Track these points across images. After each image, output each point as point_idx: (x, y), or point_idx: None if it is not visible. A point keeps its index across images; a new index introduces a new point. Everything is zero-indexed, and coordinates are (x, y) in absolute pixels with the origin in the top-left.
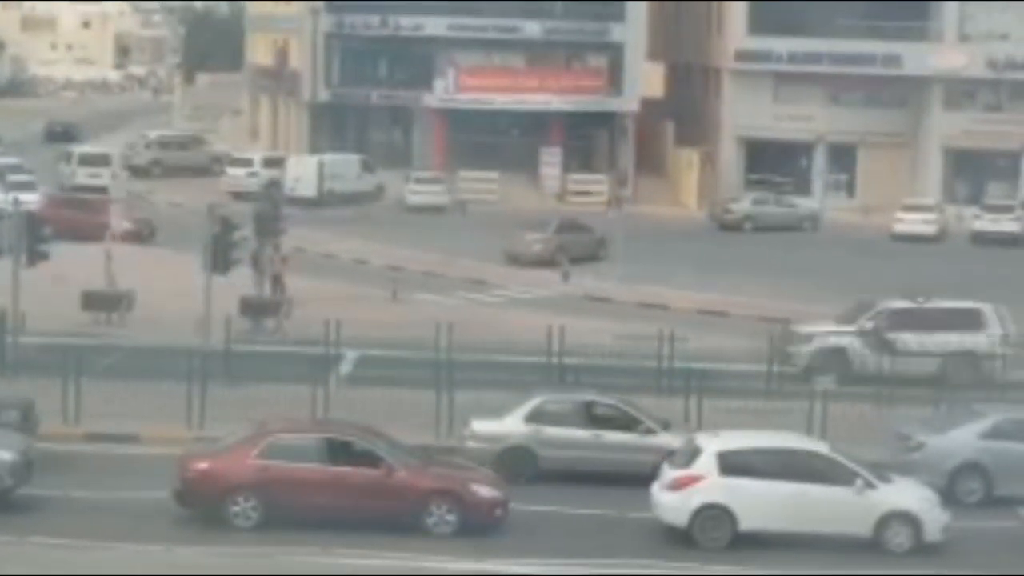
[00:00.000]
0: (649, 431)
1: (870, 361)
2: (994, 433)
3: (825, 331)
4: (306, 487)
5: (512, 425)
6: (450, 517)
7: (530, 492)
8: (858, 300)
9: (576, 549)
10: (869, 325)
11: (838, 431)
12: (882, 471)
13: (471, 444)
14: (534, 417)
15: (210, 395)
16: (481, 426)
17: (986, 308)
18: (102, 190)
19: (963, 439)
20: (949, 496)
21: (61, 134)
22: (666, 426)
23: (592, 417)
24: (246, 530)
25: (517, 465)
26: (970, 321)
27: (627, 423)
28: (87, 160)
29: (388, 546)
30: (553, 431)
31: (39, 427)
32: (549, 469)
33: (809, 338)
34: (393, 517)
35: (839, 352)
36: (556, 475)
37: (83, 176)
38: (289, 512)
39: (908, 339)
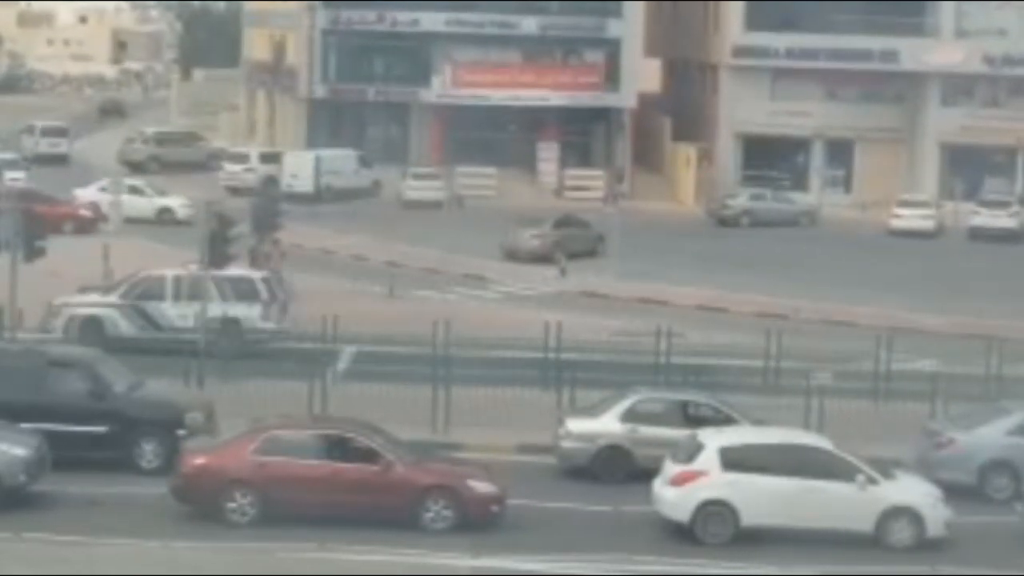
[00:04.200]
0: None
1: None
2: (1022, 430)
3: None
4: (303, 483)
5: (607, 424)
6: (447, 513)
7: (528, 488)
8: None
9: (575, 545)
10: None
11: (837, 426)
12: (884, 466)
13: (566, 443)
14: (629, 416)
15: (207, 391)
16: (576, 425)
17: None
18: (61, 158)
19: (991, 436)
20: (978, 493)
21: (113, 111)
22: (761, 425)
23: (688, 416)
24: (243, 526)
25: (613, 464)
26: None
27: (723, 422)
28: (48, 132)
29: (385, 542)
30: (649, 430)
31: (219, 428)
32: (645, 468)
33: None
34: (390, 513)
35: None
36: (652, 475)
37: (45, 146)
38: (286, 508)
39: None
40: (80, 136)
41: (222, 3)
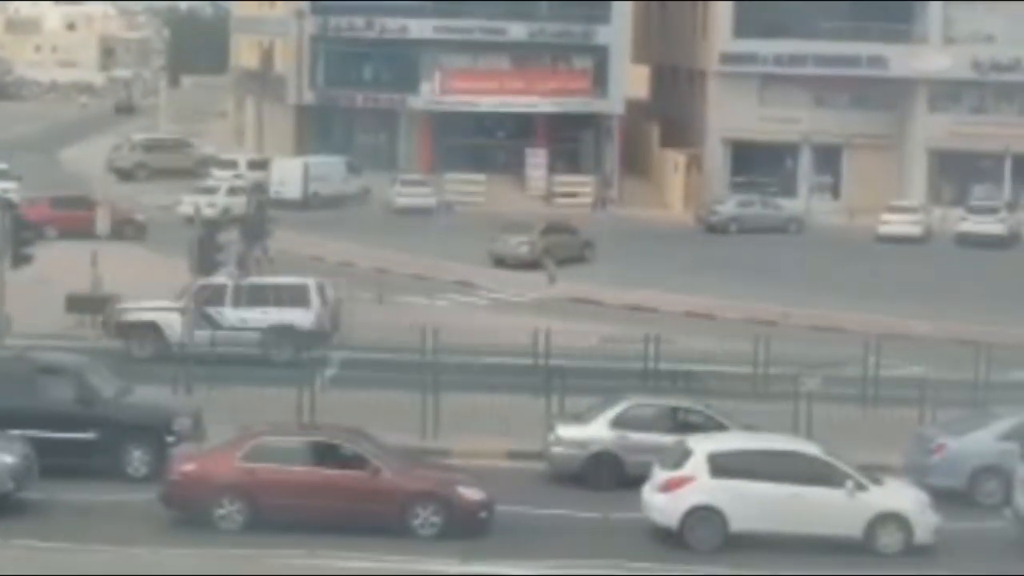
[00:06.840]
0: None
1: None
2: (1013, 435)
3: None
4: (292, 489)
5: (597, 431)
6: (436, 519)
7: (518, 494)
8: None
9: (564, 551)
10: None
11: (825, 432)
12: (873, 472)
13: (556, 450)
14: (620, 422)
15: (195, 397)
16: (566, 431)
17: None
18: None
19: (982, 441)
20: (969, 498)
21: (126, 109)
22: (750, 431)
23: (678, 423)
24: (232, 532)
25: (603, 471)
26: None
27: (713, 428)
28: None
29: (373, 548)
30: (639, 437)
31: (207, 434)
32: (635, 475)
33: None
34: (379, 519)
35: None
36: (643, 481)
37: None
38: (275, 514)
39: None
40: (70, 143)
41: (209, 9)
